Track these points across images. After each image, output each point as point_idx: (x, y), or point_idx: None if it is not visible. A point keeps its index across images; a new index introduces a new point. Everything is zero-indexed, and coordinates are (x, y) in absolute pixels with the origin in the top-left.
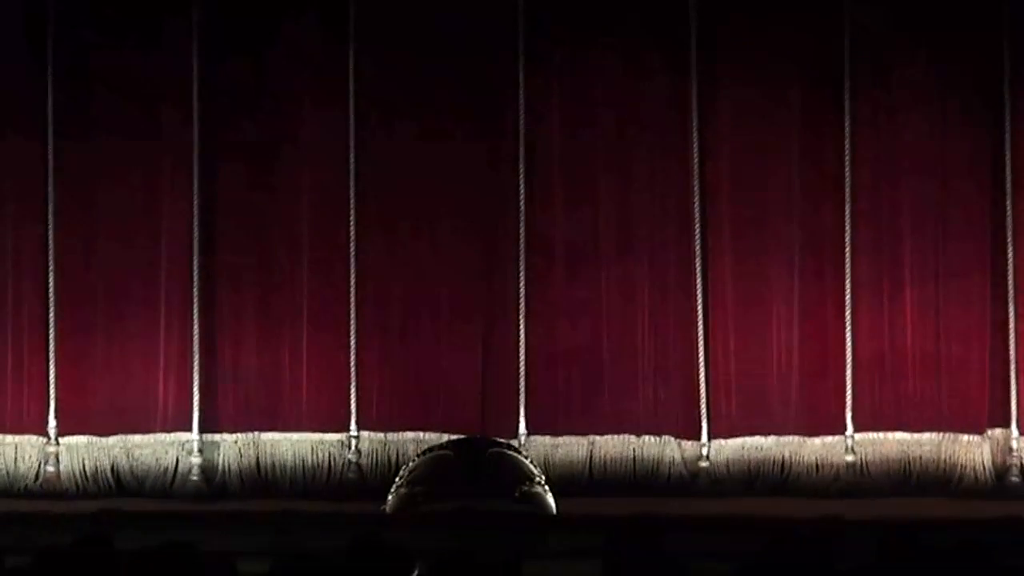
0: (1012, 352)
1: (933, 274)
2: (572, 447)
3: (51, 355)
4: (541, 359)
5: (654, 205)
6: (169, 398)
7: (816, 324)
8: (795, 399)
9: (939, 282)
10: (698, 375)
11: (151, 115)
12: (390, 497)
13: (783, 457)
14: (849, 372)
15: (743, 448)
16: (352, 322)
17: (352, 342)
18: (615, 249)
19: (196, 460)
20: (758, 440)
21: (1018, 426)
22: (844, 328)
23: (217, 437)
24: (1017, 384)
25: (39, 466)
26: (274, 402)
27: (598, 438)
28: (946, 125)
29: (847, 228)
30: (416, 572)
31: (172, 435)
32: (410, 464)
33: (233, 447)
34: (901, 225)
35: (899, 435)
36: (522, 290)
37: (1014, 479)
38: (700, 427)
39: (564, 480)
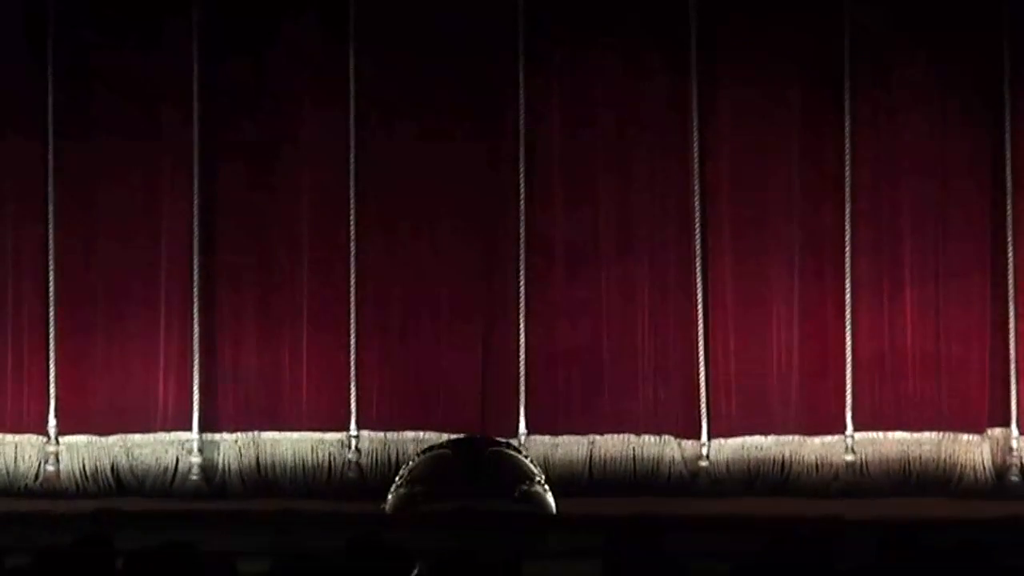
0: (1012, 352)
1: (933, 274)
2: (572, 447)
3: (51, 355)
4: (541, 359)
5: (654, 205)
6: (169, 398)
7: (816, 324)
8: (795, 399)
9: (939, 282)
10: (698, 375)
11: (151, 115)
12: (390, 496)
13: (783, 457)
14: (849, 372)
15: (743, 448)
16: (352, 322)
17: (352, 342)
18: (615, 249)
19: (196, 459)
20: (758, 440)
21: (1018, 426)
22: (844, 328)
23: (217, 437)
24: (1017, 384)
25: (39, 465)
26: (274, 402)
27: (598, 438)
28: (946, 125)
29: (847, 228)
30: (416, 571)
31: (172, 434)
32: (410, 464)
33: (233, 447)
34: (901, 225)
35: (899, 435)
36: (522, 290)
37: (1014, 479)
38: (700, 427)
39: (564, 480)
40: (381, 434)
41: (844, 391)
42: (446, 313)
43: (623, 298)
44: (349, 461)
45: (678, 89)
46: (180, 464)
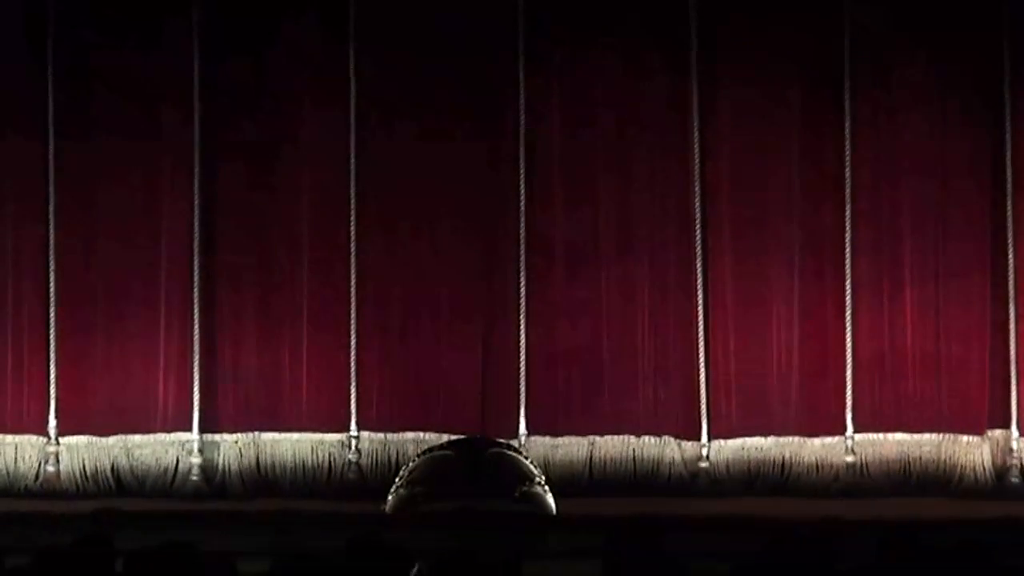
0: (1012, 352)
1: (933, 274)
2: (572, 447)
3: (51, 355)
4: (541, 359)
5: (654, 205)
6: (169, 398)
7: (816, 324)
8: (795, 399)
9: (939, 282)
10: (698, 375)
11: (151, 115)
12: (390, 497)
13: (783, 458)
14: (849, 372)
15: (743, 449)
16: (352, 322)
17: (352, 342)
18: (615, 249)
19: (196, 460)
20: (758, 441)
21: (1018, 427)
22: (844, 328)
23: (217, 437)
24: (1017, 385)
25: (39, 466)
26: (274, 402)
27: (598, 438)
28: (946, 125)
29: (847, 228)
30: (416, 569)
31: (172, 435)
32: (410, 464)
33: (233, 447)
34: (901, 225)
35: (899, 436)
36: (522, 290)
37: (1014, 480)
38: (700, 427)
39: (564, 480)
40: (381, 435)
41: (844, 391)
42: (446, 313)
43: (623, 298)
44: (349, 462)
45: (678, 89)
46: (180, 465)
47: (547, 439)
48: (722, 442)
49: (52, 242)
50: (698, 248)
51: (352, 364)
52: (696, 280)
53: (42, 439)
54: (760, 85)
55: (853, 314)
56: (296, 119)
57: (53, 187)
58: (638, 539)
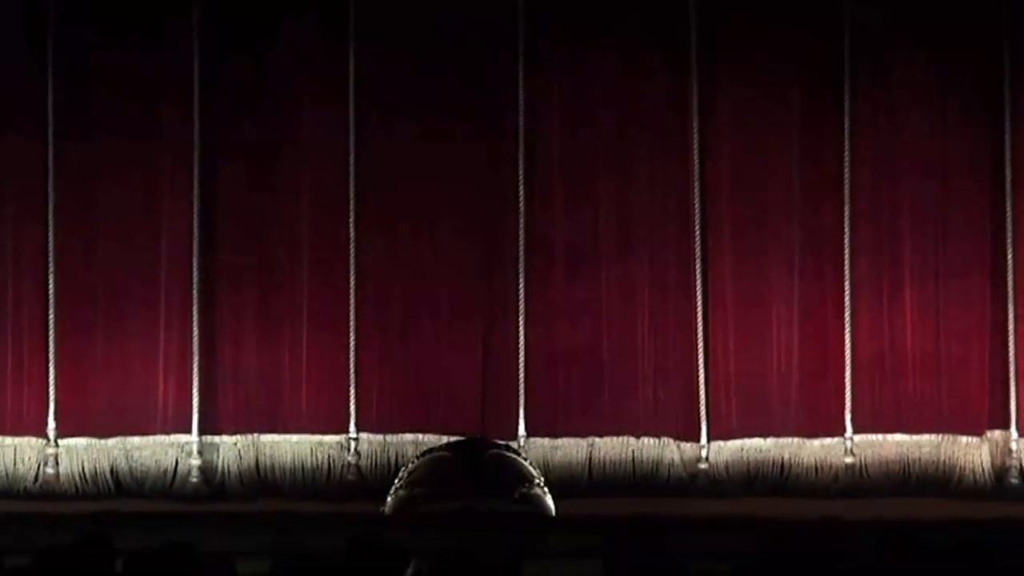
0: (1012, 353)
1: (933, 274)
2: (571, 449)
3: (51, 356)
4: (541, 359)
5: (654, 205)
6: (169, 399)
7: (816, 324)
8: (794, 400)
9: (939, 282)
10: (697, 376)
11: (151, 115)
12: (389, 499)
13: (782, 459)
14: (848, 373)
15: (742, 450)
16: (352, 322)
17: (352, 342)
18: (615, 249)
19: (195, 462)
20: (757, 442)
21: (1017, 428)
22: (843, 329)
23: (217, 439)
24: (1016, 385)
25: (39, 468)
26: (274, 403)
27: (597, 440)
28: (946, 125)
29: (847, 228)
30: (412, 568)
31: (172, 437)
32: (409, 466)
33: (233, 449)
34: (901, 225)
35: (898, 437)
36: (522, 290)
37: (1013, 480)
38: (699, 428)
39: (563, 481)
40: (380, 436)
41: (844, 392)
42: (446, 313)
43: (623, 298)
44: (348, 463)
45: (678, 89)
46: (180, 466)
47: (546, 440)
48: (722, 443)
49: (52, 242)
50: (698, 248)
51: (352, 365)
52: (696, 280)
53: (41, 441)
54: (760, 85)
55: (853, 314)
56: (296, 119)
57: (53, 187)
58: (638, 539)
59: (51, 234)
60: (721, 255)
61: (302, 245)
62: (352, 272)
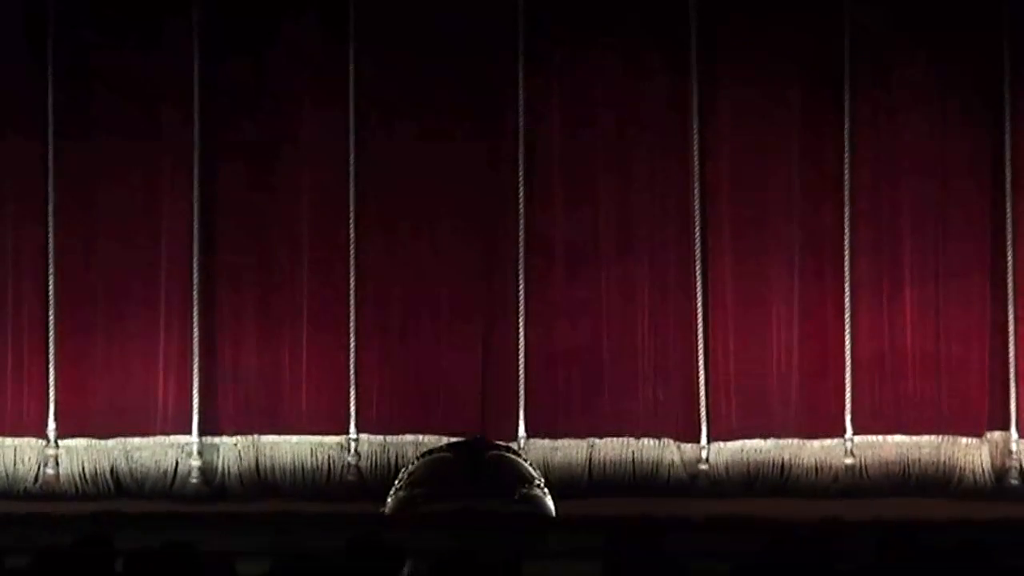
0: (1012, 354)
1: (933, 274)
2: (571, 449)
3: (51, 356)
4: (541, 360)
5: (654, 205)
6: (169, 399)
7: (816, 325)
8: (795, 400)
9: (939, 282)
10: (697, 376)
11: (151, 115)
12: (389, 499)
13: (782, 460)
14: (848, 373)
15: (742, 451)
16: (352, 322)
17: (352, 343)
18: (615, 249)
19: (195, 463)
20: (757, 443)
21: (1017, 428)
22: (844, 329)
23: (217, 440)
24: (1016, 386)
25: (39, 468)
26: (274, 403)
27: (597, 441)
28: (946, 125)
29: (847, 228)
30: (407, 567)
31: (172, 438)
32: (409, 467)
33: (233, 449)
34: (901, 225)
35: (898, 437)
36: (522, 290)
37: (1013, 481)
38: (699, 429)
39: (564, 482)
40: (380, 437)
41: (844, 392)
42: (446, 313)
43: (623, 298)
44: (349, 464)
45: (678, 89)
46: (180, 467)
47: (546, 441)
48: (722, 444)
49: (52, 242)
50: (698, 248)
51: (352, 365)
52: (696, 280)
53: (41, 441)
54: (760, 85)
55: (853, 315)
56: (296, 119)
57: (53, 187)
58: (638, 540)
59: (51, 234)
60: (721, 255)
61: (302, 245)
62: (352, 272)
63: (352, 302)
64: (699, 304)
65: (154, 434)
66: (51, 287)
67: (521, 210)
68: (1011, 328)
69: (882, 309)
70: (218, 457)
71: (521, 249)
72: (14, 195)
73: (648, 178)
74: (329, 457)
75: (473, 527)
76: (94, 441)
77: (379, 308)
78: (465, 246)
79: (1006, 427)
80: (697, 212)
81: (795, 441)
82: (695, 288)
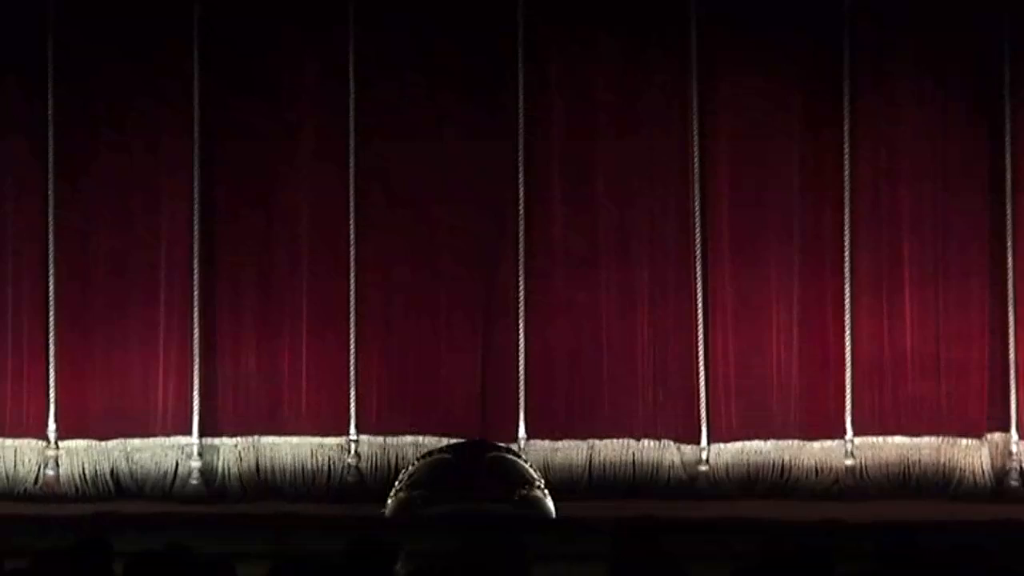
0: (1012, 355)
1: (933, 275)
2: (572, 451)
3: (51, 357)
4: (541, 361)
5: (654, 205)
6: (169, 401)
7: (815, 326)
8: (795, 402)
9: (939, 283)
10: (698, 377)
11: (151, 115)
12: (390, 501)
13: (782, 461)
14: (848, 375)
15: (742, 452)
16: (352, 324)
17: (352, 344)
18: (615, 250)
19: (196, 464)
20: (757, 444)
21: (1017, 430)
22: (844, 330)
23: (217, 441)
24: (1016, 388)
25: (39, 470)
26: (274, 405)
27: (597, 442)
28: (946, 125)
29: (847, 229)
30: (398, 567)
31: (172, 439)
32: (409, 468)
33: (233, 451)
34: (901, 226)
35: (898, 439)
36: (522, 292)
37: (1013, 483)
38: (699, 431)
39: (564, 484)
40: (380, 438)
41: (844, 394)
42: (446, 315)
43: (623, 299)
44: (349, 465)
45: (678, 89)
46: (180, 468)
47: (547, 442)
48: (722, 445)
49: (52, 244)
50: (698, 249)
51: (352, 366)
52: (696, 282)
53: (41, 443)
54: (760, 86)
55: (852, 316)
56: (296, 121)
57: (53, 188)
58: (638, 542)
59: (51, 236)
60: (721, 255)
61: (302, 247)
62: (352, 274)
63: (352, 303)
64: (699, 305)
65: (154, 435)
66: (51, 288)
67: (521, 210)
68: (1011, 329)
69: (882, 310)
70: (218, 458)
71: (521, 249)
72: (14, 195)
73: (648, 179)
74: (329, 458)
75: (473, 529)
76: (94, 442)
77: (378, 310)
78: (465, 246)
79: (1006, 428)
80: (697, 212)
81: (795, 442)
82: (695, 289)
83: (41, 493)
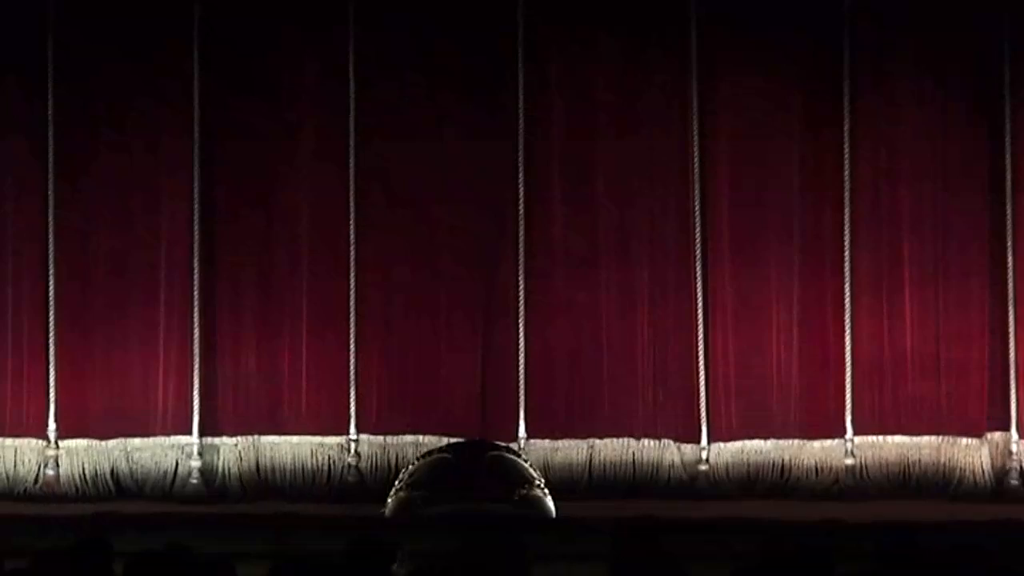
0: (1012, 355)
1: (933, 275)
2: (572, 450)
3: (51, 357)
4: (541, 361)
5: (654, 205)
6: (169, 401)
7: (815, 326)
8: (795, 401)
9: (939, 284)
10: (697, 377)
11: (151, 115)
12: (390, 500)
13: (782, 461)
14: (848, 374)
15: (742, 452)
16: (352, 324)
17: (352, 344)
18: (615, 250)
19: (196, 463)
20: (757, 444)
21: (1017, 429)
22: (843, 330)
23: (217, 440)
24: (1016, 387)
25: (39, 469)
26: (274, 404)
27: (597, 442)
28: (946, 125)
29: (847, 229)
30: (396, 566)
31: (172, 439)
32: (409, 467)
33: (233, 450)
34: (901, 226)
35: (898, 439)
36: (522, 291)
37: (1013, 482)
38: (699, 430)
39: (564, 483)
40: (380, 438)
41: (844, 394)
42: (446, 314)
43: (623, 298)
44: (349, 465)
45: (678, 89)
46: (180, 468)
47: (547, 442)
48: (722, 445)
49: (52, 244)
50: (698, 248)
51: (352, 366)
52: (696, 281)
53: (42, 443)
54: (760, 86)
55: (852, 316)
56: (296, 121)
57: (53, 188)
58: (638, 542)
59: (51, 236)
60: (721, 255)
61: (302, 247)
62: (352, 274)
63: (352, 303)
64: (699, 305)
65: (154, 435)
66: (51, 288)
67: (521, 210)
68: (1011, 329)
69: (882, 310)
70: (218, 458)
71: (521, 250)
72: (14, 195)
73: (648, 179)
74: (329, 458)
75: (473, 529)
76: (94, 442)
77: (378, 310)
78: (465, 246)
79: (1006, 428)
80: (697, 212)
81: (795, 442)
82: (695, 289)
83: (41, 493)
